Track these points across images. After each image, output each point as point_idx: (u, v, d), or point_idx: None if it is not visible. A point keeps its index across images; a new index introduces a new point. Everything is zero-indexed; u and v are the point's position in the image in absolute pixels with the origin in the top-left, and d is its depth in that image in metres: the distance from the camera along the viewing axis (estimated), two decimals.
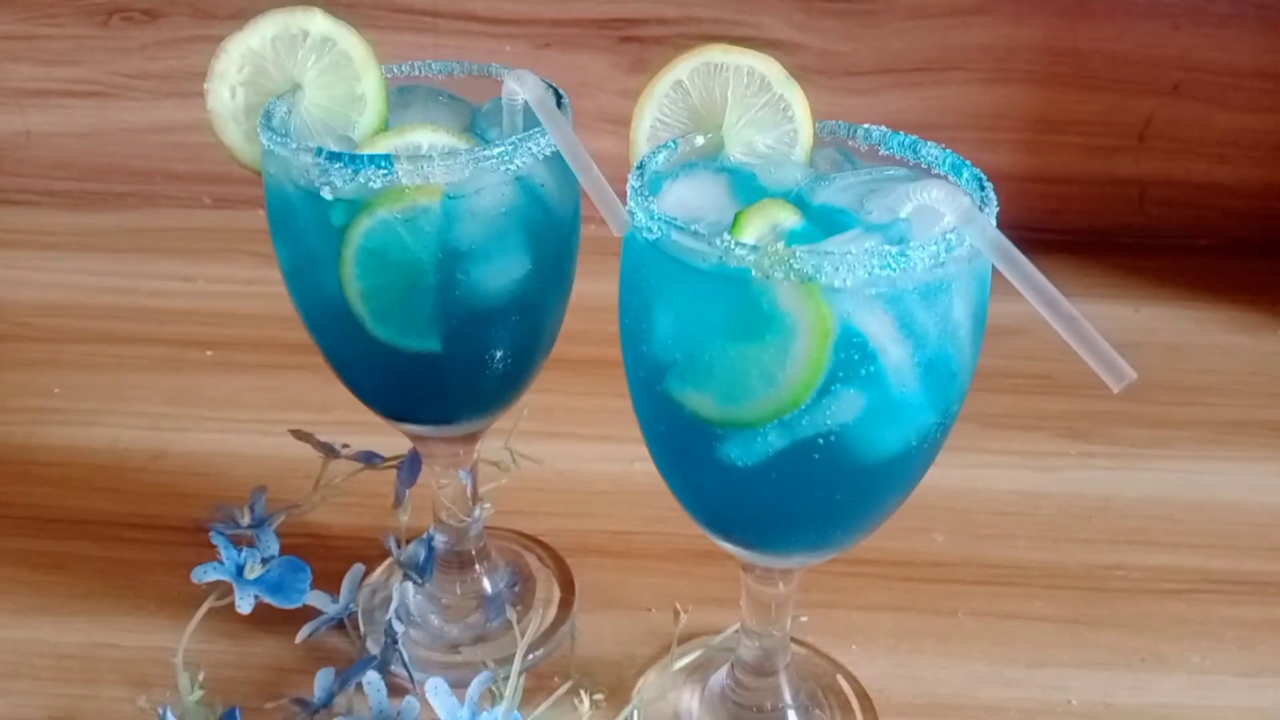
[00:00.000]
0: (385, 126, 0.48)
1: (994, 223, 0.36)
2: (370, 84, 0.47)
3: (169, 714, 0.48)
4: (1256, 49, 0.93)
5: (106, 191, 1.08)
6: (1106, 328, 0.98)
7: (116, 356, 0.84)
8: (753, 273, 0.34)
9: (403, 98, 0.49)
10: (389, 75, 0.48)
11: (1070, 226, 1.01)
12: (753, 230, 0.36)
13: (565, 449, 0.72)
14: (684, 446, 0.40)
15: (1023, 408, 0.78)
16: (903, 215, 0.36)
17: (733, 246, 0.34)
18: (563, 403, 0.76)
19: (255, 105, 0.47)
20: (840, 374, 0.35)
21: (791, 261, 0.33)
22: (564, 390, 0.76)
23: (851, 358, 0.35)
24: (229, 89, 0.47)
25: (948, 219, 0.35)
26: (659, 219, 0.36)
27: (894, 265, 0.33)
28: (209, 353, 0.84)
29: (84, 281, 0.95)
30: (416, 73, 0.50)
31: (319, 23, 0.47)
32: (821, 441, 0.36)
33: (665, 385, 0.38)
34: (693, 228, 0.35)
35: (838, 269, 0.33)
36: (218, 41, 1.11)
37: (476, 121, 0.49)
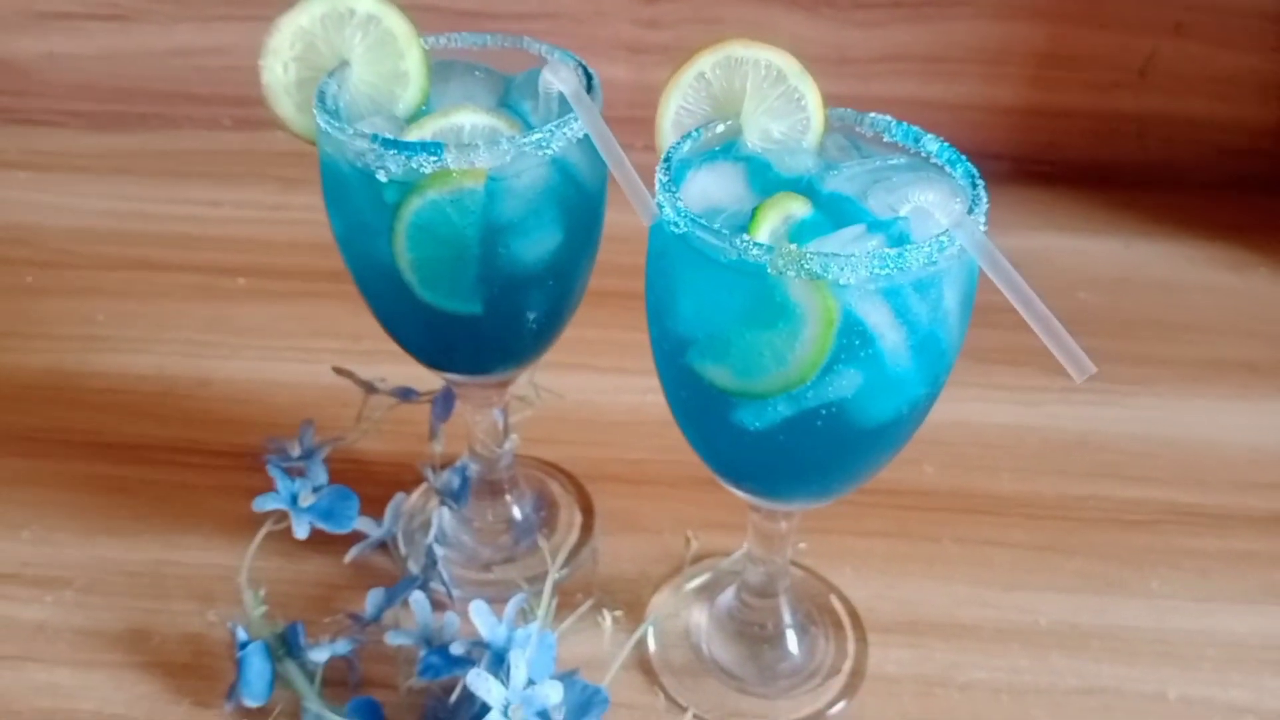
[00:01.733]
0: (427, 101, 0.51)
1: (983, 222, 0.40)
2: (413, 61, 0.51)
3: (239, 629, 0.54)
4: None
5: (129, 112, 1.10)
6: (1099, 264, 1.02)
7: (154, 284, 0.88)
8: (768, 269, 0.38)
9: (442, 72, 0.52)
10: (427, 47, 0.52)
11: (1070, 160, 1.04)
12: (768, 223, 0.40)
13: (584, 381, 0.77)
14: (702, 410, 0.45)
15: (1012, 343, 0.81)
16: (902, 214, 0.41)
17: (750, 246, 0.38)
18: (580, 335, 0.80)
19: (306, 79, 0.51)
20: (842, 355, 0.40)
21: (802, 261, 0.37)
22: (581, 323, 0.80)
23: (853, 342, 0.39)
24: (282, 64, 0.51)
25: (941, 220, 0.39)
26: (685, 215, 0.40)
27: (892, 265, 0.38)
28: (241, 280, 0.89)
29: (114, 207, 0.98)
30: (453, 45, 0.54)
31: (364, 1, 0.50)
32: (824, 411, 0.41)
33: (687, 358, 0.43)
34: (715, 226, 0.39)
35: (843, 268, 0.37)
36: None
37: (510, 93, 0.53)
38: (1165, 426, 0.75)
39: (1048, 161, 1.04)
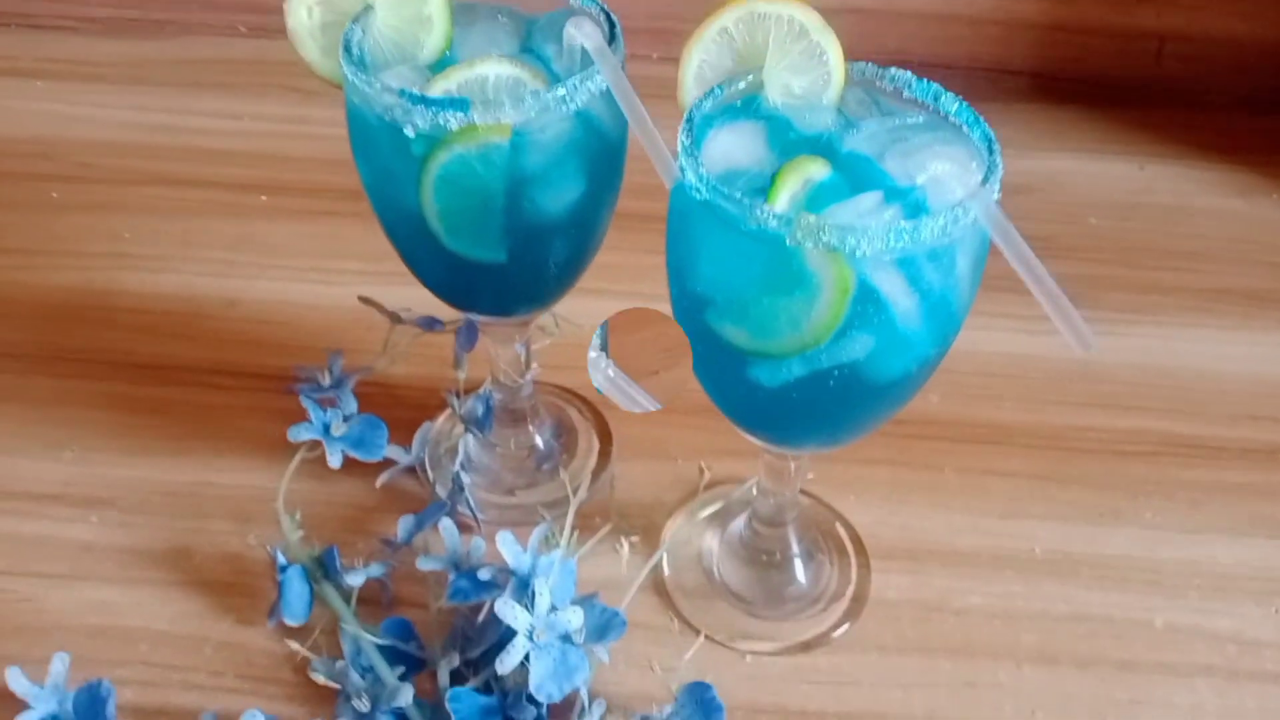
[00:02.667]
0: (450, 46, 0.52)
1: (997, 191, 0.41)
2: (436, 5, 0.51)
3: (279, 553, 0.58)
4: None
5: (144, 19, 1.09)
6: (1111, 187, 1.01)
7: (177, 200, 0.89)
8: (786, 240, 0.40)
9: (465, 16, 0.53)
10: None
11: (1087, 76, 1.03)
12: (788, 189, 0.42)
13: (600, 306, 0.77)
14: (719, 365, 0.47)
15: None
16: (919, 182, 0.42)
17: (770, 217, 0.39)
18: (596, 259, 0.82)
19: (331, 23, 0.52)
20: (856, 321, 0.41)
21: (820, 234, 0.39)
22: None
23: (867, 309, 0.41)
24: (306, 8, 0.51)
25: (957, 190, 0.41)
26: (706, 181, 0.41)
27: (908, 237, 0.39)
28: (264, 198, 0.89)
29: (133, 118, 0.98)
30: None
31: None
32: (836, 371, 0.43)
33: (705, 317, 0.44)
34: (736, 194, 0.40)
35: (860, 240, 0.39)
36: None
37: (532, 35, 0.53)
38: (1166, 357, 0.76)
39: (1067, 78, 1.04)
